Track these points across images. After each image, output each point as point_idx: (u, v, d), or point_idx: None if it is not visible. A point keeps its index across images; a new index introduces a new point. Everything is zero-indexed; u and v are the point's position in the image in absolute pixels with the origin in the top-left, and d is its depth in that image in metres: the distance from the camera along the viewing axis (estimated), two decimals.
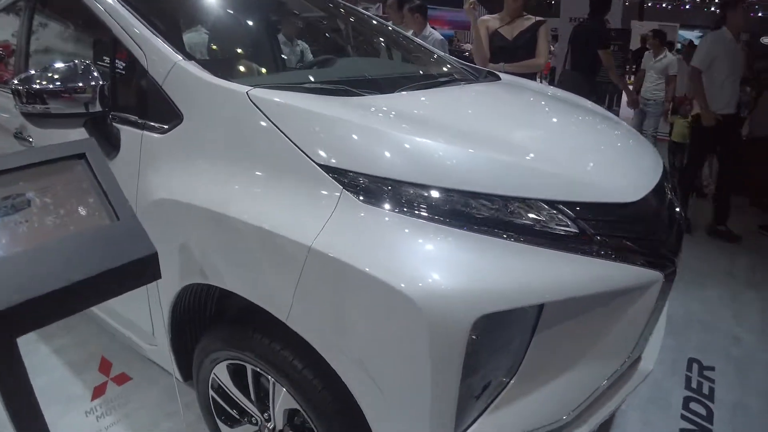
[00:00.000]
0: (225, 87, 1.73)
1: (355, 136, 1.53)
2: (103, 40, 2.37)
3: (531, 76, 4.51)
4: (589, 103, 2.72)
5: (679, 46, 15.62)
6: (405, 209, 1.41)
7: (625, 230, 1.55)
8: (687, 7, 28.62)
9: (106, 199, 1.31)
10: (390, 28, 3.49)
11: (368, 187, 1.44)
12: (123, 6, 2.08)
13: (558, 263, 1.39)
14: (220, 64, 2.14)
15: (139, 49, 1.96)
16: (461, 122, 1.76)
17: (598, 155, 1.83)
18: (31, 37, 2.88)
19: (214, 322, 2.04)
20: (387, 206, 1.41)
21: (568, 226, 1.45)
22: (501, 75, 2.89)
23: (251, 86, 1.72)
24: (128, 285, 1.26)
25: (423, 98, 1.99)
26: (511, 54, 4.58)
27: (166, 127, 1.85)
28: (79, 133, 2.06)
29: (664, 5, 28.58)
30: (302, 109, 1.60)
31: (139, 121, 1.93)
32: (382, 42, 3.33)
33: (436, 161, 1.49)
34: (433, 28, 5.73)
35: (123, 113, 2.02)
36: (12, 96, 1.89)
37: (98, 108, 1.94)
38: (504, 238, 1.39)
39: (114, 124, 2.03)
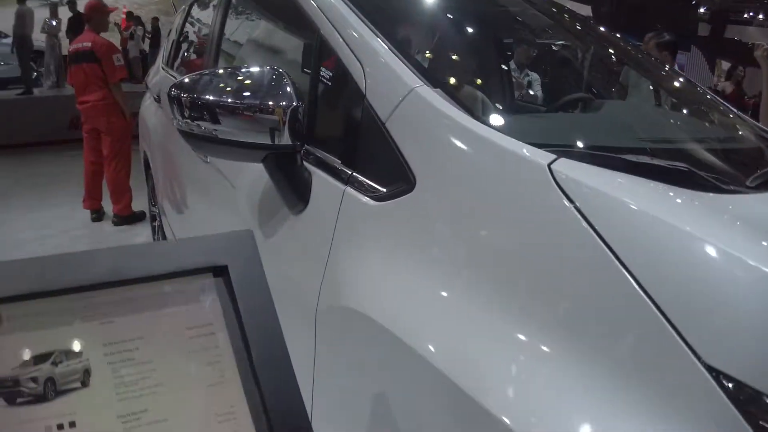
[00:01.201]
0: (506, 149, 1.00)
1: None
2: (304, 43, 1.75)
3: None
4: None
5: None
6: None
7: None
8: None
9: (250, 369, 0.64)
10: (657, 62, 2.59)
11: None
12: None
13: None
14: (482, 102, 1.41)
15: (356, 60, 1.29)
16: None
17: None
18: (222, 34, 2.36)
19: None
20: None
21: None
22: None
23: (552, 153, 0.98)
24: None
25: None
26: None
27: (383, 191, 1.16)
28: (254, 173, 1.43)
29: None
30: (678, 230, 0.83)
31: (345, 170, 1.26)
32: (646, 81, 2.42)
33: None
34: None
35: (321, 152, 1.37)
36: (170, 105, 1.31)
37: (287, 140, 1.30)
38: None
39: (306, 164, 1.37)
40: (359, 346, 1.14)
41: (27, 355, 0.63)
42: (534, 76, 2.94)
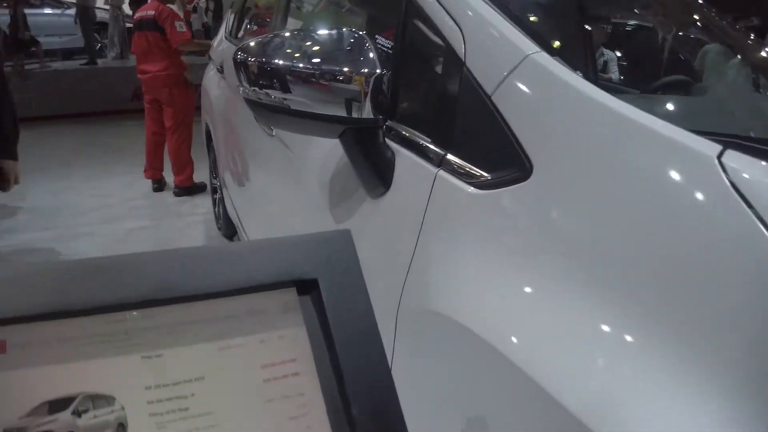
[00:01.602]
0: (660, 134, 0.78)
1: None
2: (387, 2, 1.55)
3: None
4: None
5: None
6: None
7: None
8: None
9: (347, 425, 0.44)
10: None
11: None
12: None
13: None
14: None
15: (453, 22, 1.08)
16: None
17: None
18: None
19: None
20: None
21: None
22: None
23: (719, 143, 0.75)
24: None
25: None
26: None
27: (488, 177, 0.96)
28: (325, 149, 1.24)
29: None
30: None
31: (437, 151, 1.06)
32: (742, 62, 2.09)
33: None
34: None
35: (407, 128, 1.16)
36: (236, 71, 1.17)
37: (368, 113, 1.13)
38: None
39: (389, 142, 1.18)
40: (455, 357, 0.95)
41: (40, 398, 0.45)
42: (610, 55, 2.65)
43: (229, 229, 3.62)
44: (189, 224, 4.30)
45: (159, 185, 5.08)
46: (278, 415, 0.48)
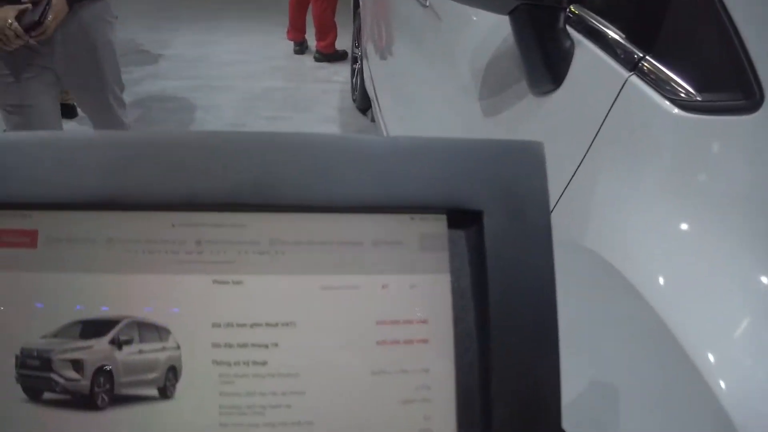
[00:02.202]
0: None
1: None
2: None
3: None
4: None
5: None
6: None
7: None
8: None
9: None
10: None
11: None
12: None
13: None
14: None
15: None
16: None
17: None
18: None
19: None
20: None
21: None
22: None
23: None
24: None
25: None
26: None
27: (698, 97, 0.74)
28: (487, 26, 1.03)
29: None
30: None
31: (633, 51, 0.84)
32: None
33: None
34: None
35: (596, 16, 0.95)
36: None
37: None
38: None
39: (570, 30, 0.95)
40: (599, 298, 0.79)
41: (72, 316, 0.32)
42: None
43: (364, 102, 3.49)
44: (325, 91, 4.19)
45: (300, 48, 5.00)
46: (388, 393, 0.33)
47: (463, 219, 0.35)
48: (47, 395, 0.32)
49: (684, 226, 0.72)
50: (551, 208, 0.94)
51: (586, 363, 0.79)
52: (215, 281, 0.33)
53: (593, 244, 0.80)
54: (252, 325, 0.33)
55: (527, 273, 0.34)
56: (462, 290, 0.34)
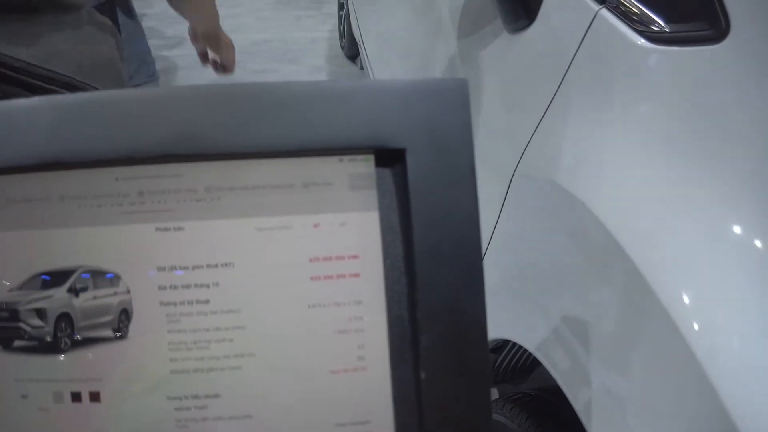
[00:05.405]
0: None
1: None
2: None
3: None
4: None
5: None
6: None
7: None
8: None
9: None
10: None
11: None
12: None
13: None
14: None
15: None
16: None
17: None
18: None
19: None
20: None
21: None
22: None
23: None
24: None
25: None
26: None
27: (666, 28, 0.77)
28: None
29: None
30: None
31: None
32: None
33: None
34: None
35: None
36: None
37: None
38: None
39: None
40: (565, 234, 0.81)
41: (33, 269, 0.35)
42: None
43: (352, 49, 3.45)
44: (313, 40, 4.14)
45: None
46: (323, 325, 0.36)
47: (389, 158, 0.37)
48: (17, 343, 0.35)
49: (655, 159, 0.74)
50: (526, 145, 0.97)
51: (570, 302, 0.82)
52: (158, 228, 0.36)
53: (564, 180, 0.82)
54: (194, 267, 0.36)
55: (451, 206, 0.36)
56: (391, 226, 0.37)
